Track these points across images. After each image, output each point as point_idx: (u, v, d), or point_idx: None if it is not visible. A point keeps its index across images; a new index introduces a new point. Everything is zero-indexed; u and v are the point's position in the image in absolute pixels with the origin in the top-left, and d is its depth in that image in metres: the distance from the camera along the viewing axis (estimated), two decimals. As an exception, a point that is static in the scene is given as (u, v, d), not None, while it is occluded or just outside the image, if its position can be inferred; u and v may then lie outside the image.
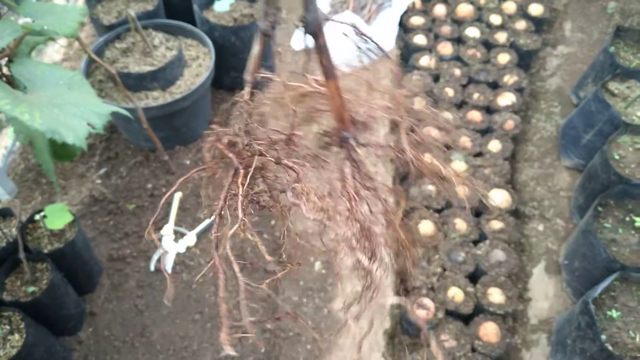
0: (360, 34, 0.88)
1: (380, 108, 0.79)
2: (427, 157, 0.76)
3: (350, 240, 0.67)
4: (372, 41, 0.89)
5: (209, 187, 0.90)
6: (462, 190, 0.77)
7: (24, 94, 1.33)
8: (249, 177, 0.74)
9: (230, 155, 0.75)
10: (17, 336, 1.71)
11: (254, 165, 0.75)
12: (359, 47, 0.93)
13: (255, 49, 0.81)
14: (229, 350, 0.62)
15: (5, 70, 1.56)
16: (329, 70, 0.72)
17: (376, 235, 0.70)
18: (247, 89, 0.81)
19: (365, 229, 0.70)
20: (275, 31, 0.80)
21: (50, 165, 1.57)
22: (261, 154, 0.74)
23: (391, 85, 0.83)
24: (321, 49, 0.73)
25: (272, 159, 0.74)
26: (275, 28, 0.81)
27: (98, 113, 1.34)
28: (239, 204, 0.73)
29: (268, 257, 0.66)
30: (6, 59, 1.41)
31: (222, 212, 0.77)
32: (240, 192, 0.73)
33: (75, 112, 1.31)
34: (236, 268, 0.65)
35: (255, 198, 0.80)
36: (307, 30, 0.72)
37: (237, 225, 0.73)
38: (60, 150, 1.64)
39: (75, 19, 1.54)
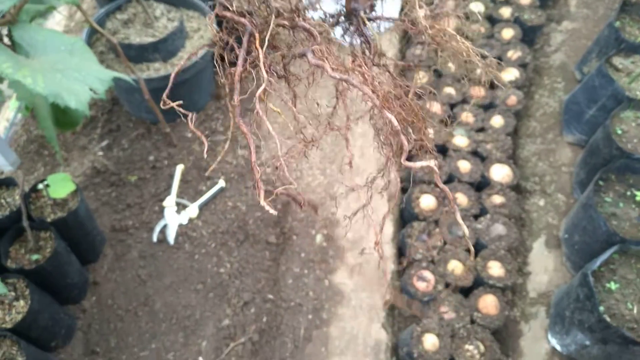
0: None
1: None
2: (440, 25, 0.74)
3: (374, 100, 0.66)
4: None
5: (221, 61, 0.84)
6: (476, 63, 0.76)
7: (26, 58, 1.33)
8: (266, 39, 0.70)
9: (243, 20, 0.72)
10: (22, 302, 1.73)
11: (271, 26, 0.71)
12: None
13: None
14: (271, 209, 0.62)
15: (6, 40, 1.56)
16: None
17: (392, 101, 0.69)
18: None
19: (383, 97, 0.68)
20: None
21: (52, 133, 1.57)
22: (278, 14, 0.71)
23: None
24: None
25: (287, 23, 0.71)
26: None
27: (100, 78, 1.33)
28: (261, 64, 0.69)
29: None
30: (7, 27, 1.40)
31: (242, 78, 0.74)
32: (261, 54, 0.70)
33: (77, 77, 1.31)
34: (268, 126, 0.63)
35: (272, 68, 0.76)
36: None
37: (263, 86, 0.70)
38: (63, 118, 1.64)
39: (76, -15, 1.53)
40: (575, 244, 2.22)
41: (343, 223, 2.28)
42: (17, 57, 1.27)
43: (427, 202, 2.44)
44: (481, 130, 2.73)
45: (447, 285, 2.20)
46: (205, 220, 2.24)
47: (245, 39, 0.68)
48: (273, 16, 0.68)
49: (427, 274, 2.22)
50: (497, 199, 2.46)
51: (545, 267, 2.32)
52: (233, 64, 0.74)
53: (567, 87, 2.90)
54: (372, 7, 0.75)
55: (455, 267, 2.24)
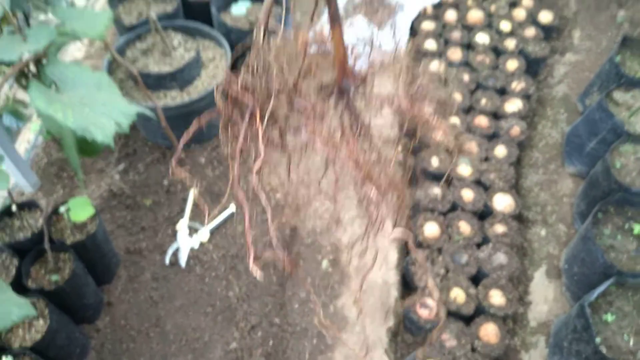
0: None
1: (380, 63, 0.86)
2: (421, 109, 0.83)
3: (356, 174, 0.74)
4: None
5: (225, 131, 0.93)
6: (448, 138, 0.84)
7: (56, 93, 1.42)
8: (266, 116, 0.79)
9: (247, 97, 0.80)
10: (41, 322, 1.81)
11: (271, 105, 0.80)
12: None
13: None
14: (258, 274, 0.69)
15: (32, 68, 1.66)
16: (335, 18, 0.78)
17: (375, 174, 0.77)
18: (260, 35, 0.85)
19: (366, 169, 0.76)
20: None
21: (77, 161, 1.66)
22: (277, 94, 0.80)
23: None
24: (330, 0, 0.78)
25: (285, 101, 0.80)
26: None
27: (125, 113, 1.43)
28: (260, 141, 0.78)
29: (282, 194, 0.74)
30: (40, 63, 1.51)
31: (242, 150, 0.82)
32: (260, 131, 0.79)
33: (104, 111, 1.40)
34: (263, 197, 0.72)
35: (270, 139, 0.85)
36: None
37: (259, 161, 0.78)
38: (86, 147, 1.73)
39: (103, 22, 1.63)
40: (574, 274, 2.28)
41: (349, 250, 2.36)
42: (49, 92, 1.36)
43: (430, 229, 2.51)
44: (485, 159, 2.81)
45: (449, 312, 2.26)
46: (216, 244, 2.33)
47: (247, 115, 0.77)
48: (273, 97, 0.76)
49: (430, 302, 2.28)
50: (500, 228, 2.53)
51: (545, 297, 2.38)
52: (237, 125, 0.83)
53: (570, 118, 2.98)
54: (363, 81, 0.84)
55: (457, 295, 2.30)
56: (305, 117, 0.78)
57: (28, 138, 2.84)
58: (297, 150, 0.83)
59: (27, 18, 2.06)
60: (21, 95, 2.35)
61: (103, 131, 1.34)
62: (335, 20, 0.77)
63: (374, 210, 0.79)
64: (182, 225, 2.35)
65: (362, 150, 0.81)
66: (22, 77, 1.64)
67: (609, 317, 1.99)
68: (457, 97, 3.02)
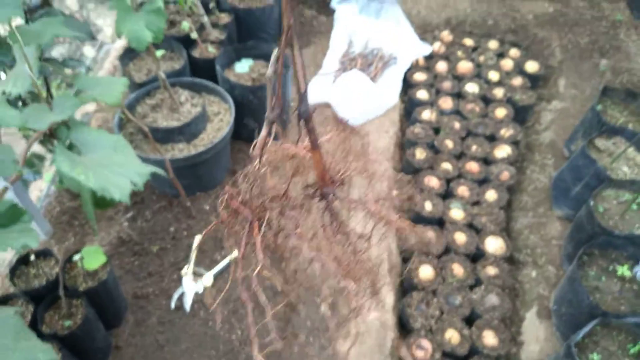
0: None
1: (354, 170, 1.02)
2: (385, 211, 0.98)
3: (335, 270, 0.89)
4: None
5: (228, 237, 1.11)
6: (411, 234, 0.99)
7: (78, 156, 1.58)
8: (263, 227, 0.96)
9: (245, 211, 0.97)
10: (54, 366, 1.91)
11: (266, 218, 0.97)
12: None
13: (263, 132, 1.03)
14: None
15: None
16: (314, 144, 0.95)
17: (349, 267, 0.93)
18: (255, 162, 1.03)
19: (343, 263, 0.92)
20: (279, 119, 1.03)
21: (93, 215, 1.80)
22: (270, 209, 0.96)
23: (364, 150, 1.06)
24: (310, 129, 0.95)
25: (277, 212, 0.96)
26: (279, 117, 1.04)
27: (139, 173, 1.58)
28: (258, 249, 0.95)
29: (281, 288, 0.88)
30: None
31: (243, 256, 0.99)
32: (258, 240, 0.96)
33: (121, 172, 1.55)
34: (263, 298, 0.85)
35: (267, 243, 1.02)
36: (301, 117, 0.96)
37: (259, 267, 0.94)
38: (101, 201, 1.88)
39: (119, 89, 1.80)
40: (563, 315, 2.38)
41: (346, 293, 2.46)
42: (72, 156, 1.52)
43: (425, 272, 2.62)
44: (476, 203, 2.94)
45: (444, 354, 2.35)
46: (219, 289, 2.43)
47: (247, 227, 0.94)
48: (268, 212, 0.93)
49: (425, 343, 2.37)
50: (491, 270, 2.64)
51: (537, 337, 2.47)
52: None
53: (557, 163, 3.13)
54: (342, 184, 1.00)
55: (451, 336, 2.39)
56: (294, 224, 0.94)
57: (40, 186, 2.99)
58: (289, 249, 0.99)
59: (47, 82, 2.25)
60: (36, 147, 2.52)
61: (120, 190, 1.49)
62: (315, 146, 0.93)
63: (351, 298, 0.94)
64: (187, 271, 2.47)
65: (339, 245, 0.97)
66: (47, 139, 1.80)
67: (595, 357, 2.08)
68: (449, 144, 3.18)
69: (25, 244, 1.32)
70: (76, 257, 2.14)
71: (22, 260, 2.16)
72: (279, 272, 1.08)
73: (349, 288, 0.91)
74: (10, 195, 2.36)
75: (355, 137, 1.14)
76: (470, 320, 2.47)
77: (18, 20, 1.68)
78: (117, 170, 1.57)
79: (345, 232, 1.09)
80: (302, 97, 0.93)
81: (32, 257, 2.12)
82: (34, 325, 1.98)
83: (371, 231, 1.11)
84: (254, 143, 1.04)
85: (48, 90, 2.29)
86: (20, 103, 2.07)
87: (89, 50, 4.34)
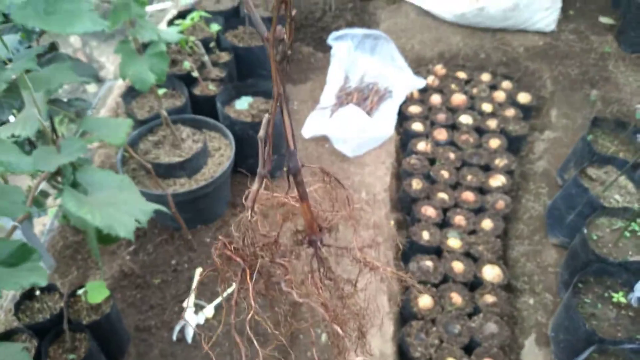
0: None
1: (340, 217, 1.09)
2: (369, 258, 1.05)
3: (324, 315, 0.96)
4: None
5: (222, 283, 1.17)
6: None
7: (84, 195, 1.64)
8: (254, 274, 1.03)
9: (238, 259, 1.03)
10: (58, 400, 1.94)
11: (257, 266, 1.03)
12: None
13: (255, 186, 1.10)
14: None
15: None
16: (303, 197, 1.02)
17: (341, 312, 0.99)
18: (249, 213, 1.10)
19: (331, 309, 0.98)
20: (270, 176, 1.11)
21: (97, 251, 1.86)
22: (261, 257, 1.03)
23: (348, 199, 1.13)
24: (298, 183, 1.02)
25: (268, 260, 1.03)
26: (270, 172, 1.11)
27: (143, 210, 1.64)
28: (250, 295, 1.01)
29: (274, 331, 0.94)
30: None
31: (236, 301, 1.05)
32: (250, 287, 1.02)
33: (126, 210, 1.62)
34: (257, 345, 0.91)
35: (259, 290, 1.08)
36: (289, 173, 1.02)
37: (251, 313, 1.01)
38: (105, 238, 1.94)
39: (124, 130, 1.88)
40: (560, 342, 2.40)
41: (347, 322, 2.49)
42: (79, 196, 1.58)
43: (424, 302, 2.66)
44: (473, 232, 3.00)
45: (443, 382, 2.36)
46: (220, 320, 2.47)
47: (239, 275, 1.01)
48: (259, 260, 1.00)
49: (425, 372, 2.39)
50: (489, 298, 2.67)
51: (536, 365, 2.49)
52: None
53: (551, 192, 3.19)
54: (329, 231, 1.07)
55: (451, 364, 2.41)
56: (284, 271, 1.01)
57: (43, 221, 3.05)
58: (279, 295, 1.07)
59: (52, 121, 2.33)
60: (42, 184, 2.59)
61: (125, 228, 1.55)
62: (304, 198, 1.01)
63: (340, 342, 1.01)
64: (189, 303, 2.51)
65: (327, 291, 1.04)
66: (53, 177, 1.87)
67: (593, 384, 2.10)
68: (445, 174, 3.25)
69: (35, 282, 1.37)
70: (80, 292, 2.19)
71: (27, 295, 2.20)
72: (272, 314, 1.14)
73: (336, 332, 0.97)
74: (16, 232, 2.43)
75: (340, 189, 1.20)
76: (469, 348, 2.49)
77: (27, 66, 1.78)
78: (122, 208, 1.63)
79: (333, 277, 1.16)
80: (291, 154, 1.00)
81: (37, 292, 2.17)
82: (38, 359, 2.02)
83: (357, 276, 1.17)
84: (246, 193, 1.11)
85: (53, 129, 2.37)
86: (27, 143, 2.15)
87: (92, 87, 4.47)
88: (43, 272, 1.33)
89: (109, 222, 1.52)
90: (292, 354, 2.34)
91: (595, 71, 3.90)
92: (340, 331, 0.96)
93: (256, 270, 0.98)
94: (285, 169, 1.01)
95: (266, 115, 0.96)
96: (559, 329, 2.42)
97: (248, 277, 0.97)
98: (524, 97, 3.77)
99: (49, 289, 2.23)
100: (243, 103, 2.99)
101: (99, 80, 3.75)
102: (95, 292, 2.12)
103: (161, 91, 3.10)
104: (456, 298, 2.68)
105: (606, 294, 2.41)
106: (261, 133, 0.95)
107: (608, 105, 3.67)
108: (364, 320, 1.10)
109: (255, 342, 0.93)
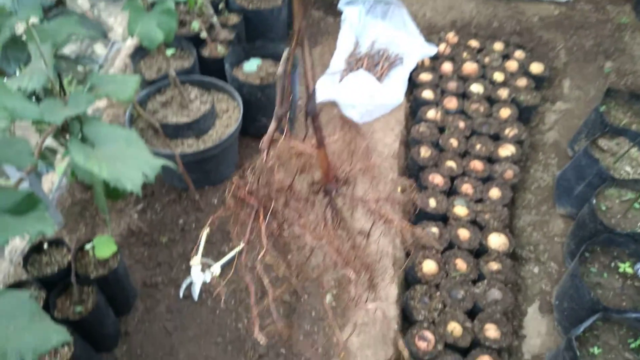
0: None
1: (358, 170, 1.08)
2: (385, 211, 1.04)
3: (336, 259, 0.95)
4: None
5: (234, 224, 1.17)
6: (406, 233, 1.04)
7: (92, 149, 1.64)
8: (268, 216, 1.02)
9: (252, 200, 1.03)
10: (66, 349, 1.98)
11: (272, 207, 1.03)
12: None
13: (272, 126, 1.09)
14: (261, 339, 0.88)
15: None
16: (320, 142, 1.01)
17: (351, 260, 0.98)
18: (264, 154, 1.09)
19: (343, 254, 0.98)
20: (287, 116, 1.09)
21: (105, 205, 1.86)
22: (277, 199, 1.02)
23: (368, 152, 1.11)
24: (316, 128, 1.01)
25: (282, 203, 1.02)
26: (287, 113, 1.10)
27: (151, 165, 1.63)
28: (263, 235, 1.01)
29: (282, 275, 0.93)
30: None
31: (249, 242, 1.05)
32: (263, 228, 1.02)
33: (133, 164, 1.61)
34: (266, 281, 0.91)
35: (271, 231, 1.08)
36: (308, 115, 1.01)
37: (263, 252, 1.00)
38: (113, 192, 1.94)
39: (132, 86, 1.86)
40: (564, 310, 2.41)
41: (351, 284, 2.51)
42: (86, 149, 1.58)
43: (429, 267, 2.67)
44: (480, 201, 2.98)
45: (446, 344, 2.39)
46: (226, 279, 2.49)
47: (252, 214, 1.00)
48: (273, 202, 0.99)
49: (428, 334, 2.41)
50: (494, 266, 2.68)
51: (538, 331, 2.50)
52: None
53: (560, 163, 3.16)
54: (345, 183, 1.06)
55: (454, 328, 2.43)
56: (298, 215, 1.00)
57: (52, 179, 3.07)
58: (292, 238, 1.06)
59: (60, 78, 2.32)
60: (49, 141, 2.59)
61: (132, 182, 1.54)
62: (321, 144, 0.99)
63: (352, 287, 1.00)
64: (196, 261, 2.53)
65: (340, 239, 1.03)
66: (60, 133, 1.87)
67: (596, 350, 2.11)
68: (454, 142, 3.23)
69: (41, 231, 1.38)
70: (88, 246, 2.21)
71: (35, 249, 2.22)
72: (283, 262, 1.14)
73: (348, 277, 0.97)
74: (24, 188, 2.44)
75: (360, 138, 1.19)
76: (472, 313, 2.51)
77: (32, 19, 1.75)
78: (129, 162, 1.63)
79: (346, 227, 1.15)
80: (311, 95, 0.98)
81: (45, 246, 2.19)
82: (46, 310, 2.05)
83: (370, 228, 1.16)
84: (263, 138, 1.09)
85: (61, 86, 2.36)
86: (34, 98, 2.14)
87: (100, 49, 4.43)
88: (49, 221, 1.33)
89: (116, 175, 1.52)
90: (304, 296, 2.36)
91: (611, 42, 3.82)
92: (352, 276, 0.96)
93: (270, 211, 0.98)
94: (303, 111, 0.99)
95: (286, 50, 0.94)
96: (564, 297, 2.43)
97: (261, 218, 0.97)
98: (536, 68, 3.70)
99: (57, 243, 2.25)
100: (252, 65, 2.96)
101: (106, 37, 3.71)
102: (103, 246, 2.14)
103: (169, 51, 3.07)
104: (461, 264, 2.68)
105: (612, 264, 2.41)
106: (279, 70, 0.93)
107: (622, 77, 3.61)
108: (374, 272, 1.10)
109: (265, 282, 0.93)
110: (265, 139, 1.05)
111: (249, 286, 0.98)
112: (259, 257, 0.97)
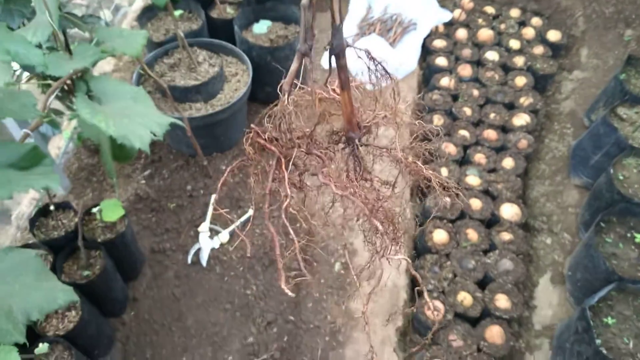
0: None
1: (381, 118, 1.01)
2: (413, 159, 0.97)
3: (363, 210, 0.90)
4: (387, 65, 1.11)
5: (254, 174, 1.10)
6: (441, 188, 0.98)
7: (99, 105, 1.59)
8: (290, 163, 0.95)
9: (273, 148, 0.96)
10: (73, 312, 1.96)
11: (294, 155, 0.96)
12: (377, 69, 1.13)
13: (294, 65, 1.01)
14: (290, 292, 0.84)
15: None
16: (345, 83, 0.93)
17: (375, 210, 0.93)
18: (285, 96, 1.01)
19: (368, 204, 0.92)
20: (311, 52, 1.02)
21: (112, 166, 1.82)
22: (299, 146, 0.96)
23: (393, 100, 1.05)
24: (341, 67, 0.93)
25: (304, 151, 0.96)
26: (311, 50, 1.02)
27: (159, 123, 1.58)
28: (285, 184, 0.94)
29: (313, 222, 0.88)
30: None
31: (270, 191, 0.99)
32: (286, 175, 0.95)
33: (141, 121, 1.56)
34: (291, 230, 0.86)
35: (293, 181, 1.01)
36: (333, 52, 0.93)
37: (286, 202, 0.94)
38: (120, 153, 1.89)
39: (140, 42, 1.80)
40: (577, 280, 2.37)
41: (360, 252, 2.48)
42: (93, 104, 1.53)
43: (439, 236, 2.62)
44: (493, 170, 2.92)
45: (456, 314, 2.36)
46: (235, 246, 2.47)
47: (274, 163, 0.93)
48: (295, 149, 0.92)
49: (438, 304, 2.39)
50: (506, 236, 2.63)
51: (550, 302, 2.47)
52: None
53: (576, 133, 3.08)
54: (368, 132, 0.99)
55: (464, 298, 2.40)
56: (321, 164, 0.93)
57: (58, 144, 3.03)
58: (314, 188, 0.99)
59: (66, 36, 2.25)
60: (55, 104, 2.54)
61: (140, 139, 1.49)
62: (345, 87, 0.91)
63: (378, 239, 0.94)
64: (204, 227, 2.50)
65: (363, 189, 0.97)
66: (65, 90, 1.81)
67: (610, 320, 2.08)
68: (467, 111, 3.15)
69: (47, 186, 1.33)
70: (95, 210, 2.18)
71: (42, 212, 2.19)
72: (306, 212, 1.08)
73: (375, 226, 0.91)
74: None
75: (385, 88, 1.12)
76: (483, 283, 2.47)
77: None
78: (137, 119, 1.57)
79: (369, 178, 1.08)
80: (336, 30, 0.90)
81: (52, 208, 2.16)
82: (53, 273, 2.03)
83: (396, 178, 1.10)
84: (283, 77, 1.02)
85: (67, 44, 2.30)
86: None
87: (105, 14, 4.34)
88: (55, 176, 1.29)
89: (123, 132, 1.47)
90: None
91: (632, 9, 3.67)
92: (380, 226, 0.90)
93: (292, 159, 0.91)
94: (329, 47, 0.91)
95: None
96: (577, 267, 2.39)
97: (283, 166, 0.91)
98: (554, 35, 3.58)
99: (64, 206, 2.22)
100: (262, 27, 2.87)
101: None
102: (110, 210, 2.10)
103: (177, 13, 2.98)
104: (472, 234, 2.64)
105: (629, 234, 2.35)
106: (304, 1, 0.85)
107: (643, 46, 3.48)
108: (397, 226, 1.04)
109: (291, 231, 0.88)
110: (287, 79, 0.98)
111: (273, 237, 0.92)
112: (283, 206, 0.91)
